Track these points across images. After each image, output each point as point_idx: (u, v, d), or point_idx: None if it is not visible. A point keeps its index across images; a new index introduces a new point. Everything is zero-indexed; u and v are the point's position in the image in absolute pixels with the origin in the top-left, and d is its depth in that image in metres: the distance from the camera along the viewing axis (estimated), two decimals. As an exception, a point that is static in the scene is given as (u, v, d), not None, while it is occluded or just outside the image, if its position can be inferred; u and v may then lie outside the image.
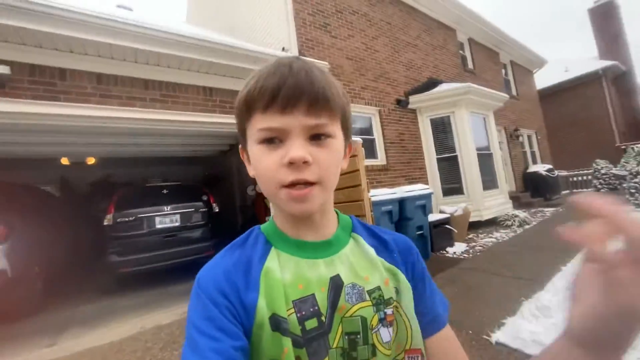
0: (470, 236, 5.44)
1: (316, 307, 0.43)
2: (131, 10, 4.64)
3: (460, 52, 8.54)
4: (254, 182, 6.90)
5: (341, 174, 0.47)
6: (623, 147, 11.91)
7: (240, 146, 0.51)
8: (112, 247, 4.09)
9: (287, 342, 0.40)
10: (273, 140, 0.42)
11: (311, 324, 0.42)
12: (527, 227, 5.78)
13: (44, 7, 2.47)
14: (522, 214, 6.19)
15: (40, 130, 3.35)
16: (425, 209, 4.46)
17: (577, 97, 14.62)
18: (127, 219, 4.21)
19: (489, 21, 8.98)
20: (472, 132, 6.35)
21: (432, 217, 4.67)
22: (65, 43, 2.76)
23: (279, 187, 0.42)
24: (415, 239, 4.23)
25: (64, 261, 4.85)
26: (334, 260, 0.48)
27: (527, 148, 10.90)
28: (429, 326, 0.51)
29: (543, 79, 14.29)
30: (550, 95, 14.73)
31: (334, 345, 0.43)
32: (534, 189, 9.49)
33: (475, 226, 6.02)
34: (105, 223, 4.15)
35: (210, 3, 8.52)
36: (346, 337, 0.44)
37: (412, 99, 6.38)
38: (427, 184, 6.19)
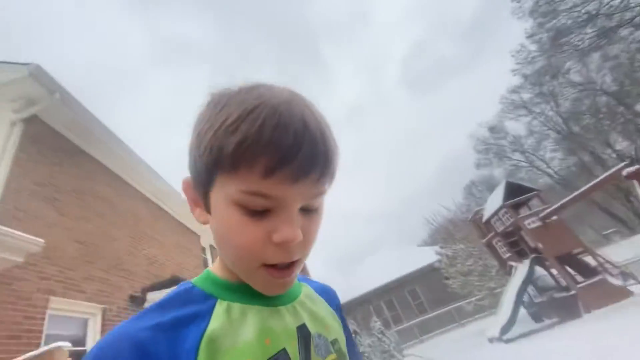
0: None
1: None
2: None
3: (203, 255, 9.49)
4: None
5: None
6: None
7: (189, 182, 0.40)
8: None
9: None
10: (260, 210, 0.34)
11: None
12: None
13: None
14: None
15: None
16: None
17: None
18: None
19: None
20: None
21: None
22: None
23: (260, 266, 0.36)
24: None
25: None
26: (295, 308, 0.42)
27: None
28: None
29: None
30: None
31: None
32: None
33: None
34: None
35: None
36: None
37: (150, 296, 5.71)
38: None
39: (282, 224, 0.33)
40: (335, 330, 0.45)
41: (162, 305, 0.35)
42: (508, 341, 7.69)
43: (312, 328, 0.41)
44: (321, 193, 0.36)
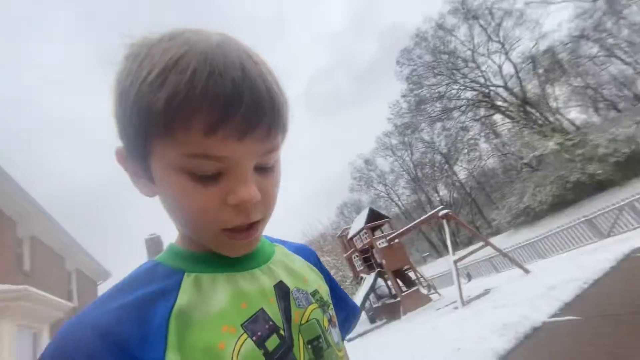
0: None
1: (271, 322, 0.35)
2: None
3: (18, 249, 7.05)
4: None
5: None
6: None
7: (123, 151, 0.35)
8: None
9: None
10: (209, 174, 0.30)
11: (272, 343, 0.34)
12: None
13: None
14: None
15: None
16: None
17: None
18: None
19: (58, 221, 8.63)
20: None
21: None
22: None
23: (220, 231, 0.33)
24: None
25: None
26: (270, 267, 0.41)
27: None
28: (351, 317, 0.55)
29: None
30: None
31: (301, 359, 0.36)
32: None
33: None
34: None
35: None
36: (309, 346, 0.38)
37: None
38: None
39: (236, 185, 0.31)
40: (314, 281, 0.46)
41: (123, 287, 0.33)
42: (349, 340, 9.12)
43: (290, 284, 0.41)
44: (273, 148, 0.33)
